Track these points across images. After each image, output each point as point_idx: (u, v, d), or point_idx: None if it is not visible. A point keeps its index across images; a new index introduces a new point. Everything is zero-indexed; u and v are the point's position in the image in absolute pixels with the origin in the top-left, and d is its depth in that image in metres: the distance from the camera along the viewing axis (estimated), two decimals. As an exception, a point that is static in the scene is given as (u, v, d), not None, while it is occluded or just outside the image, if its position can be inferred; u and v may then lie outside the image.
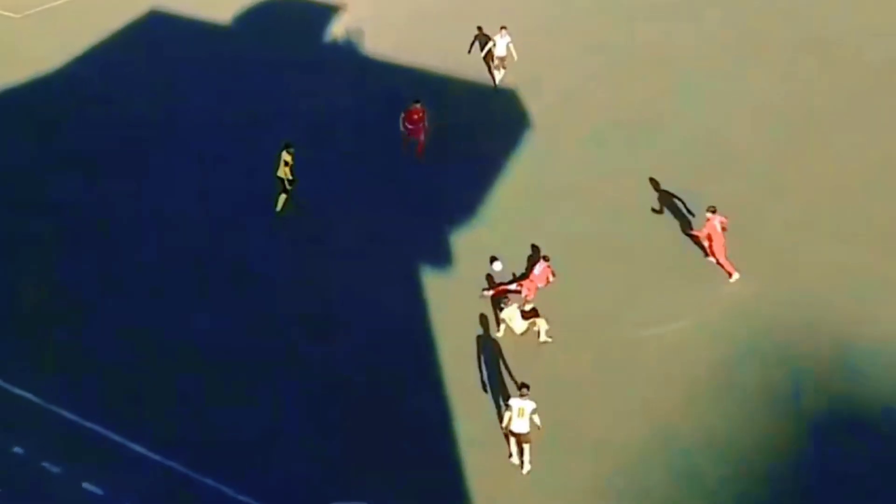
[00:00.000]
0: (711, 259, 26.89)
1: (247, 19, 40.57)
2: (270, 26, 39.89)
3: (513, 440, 21.76)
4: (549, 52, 37.46)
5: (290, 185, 28.10)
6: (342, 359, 24.31)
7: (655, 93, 34.90)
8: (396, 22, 39.76)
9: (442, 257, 27.67)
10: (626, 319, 25.39)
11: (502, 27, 34.40)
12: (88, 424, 22.21)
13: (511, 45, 34.02)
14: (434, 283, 26.50)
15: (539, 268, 25.61)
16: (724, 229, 26.45)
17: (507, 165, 31.34)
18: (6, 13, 40.85)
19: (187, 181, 30.57)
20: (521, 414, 21.42)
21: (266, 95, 35.03)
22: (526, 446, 21.61)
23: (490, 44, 34.60)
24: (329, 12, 40.86)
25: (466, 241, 28.17)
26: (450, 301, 25.77)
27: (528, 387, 21.59)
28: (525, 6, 40.55)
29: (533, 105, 34.37)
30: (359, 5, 40.94)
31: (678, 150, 31.96)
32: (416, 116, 30.66)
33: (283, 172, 28.01)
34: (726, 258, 26.66)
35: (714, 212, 26.49)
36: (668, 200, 29.40)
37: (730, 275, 26.74)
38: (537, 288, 25.60)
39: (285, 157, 27.96)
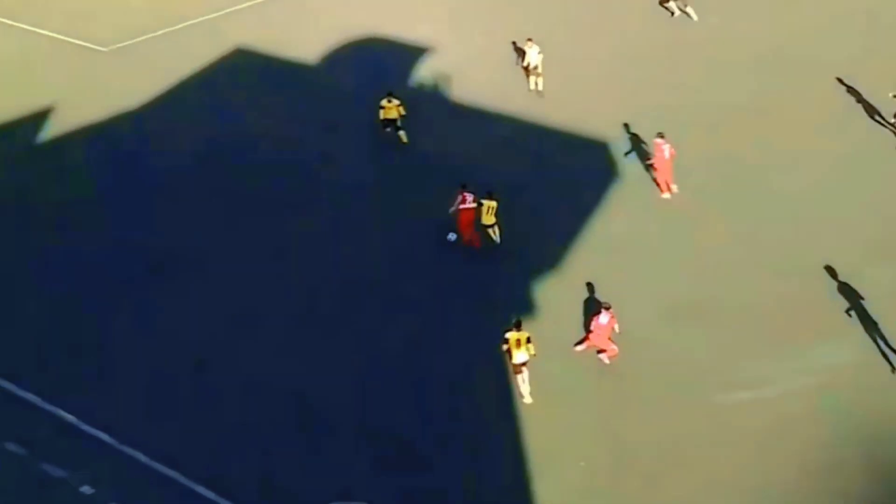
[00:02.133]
0: None
1: (332, 59, 40.77)
2: (354, 65, 39.98)
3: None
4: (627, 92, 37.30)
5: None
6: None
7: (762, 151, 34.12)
8: (486, 63, 39.82)
9: (528, 309, 27.62)
10: (714, 382, 25.14)
11: (528, 39, 36.75)
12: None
13: (541, 55, 36.22)
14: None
15: (605, 317, 25.65)
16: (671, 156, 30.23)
17: (593, 219, 31.29)
18: (94, 46, 41.61)
19: (267, 207, 31.31)
20: (518, 345, 23.83)
21: (338, 132, 35.50)
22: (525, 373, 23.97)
23: (527, 55, 36.67)
24: (414, 54, 41.02)
25: (552, 299, 28.20)
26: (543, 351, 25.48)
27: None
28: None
29: (624, 160, 34.04)
30: (445, 48, 41.03)
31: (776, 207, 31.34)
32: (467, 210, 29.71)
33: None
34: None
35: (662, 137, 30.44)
36: (757, 258, 29.11)
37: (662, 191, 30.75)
38: (608, 338, 25.69)
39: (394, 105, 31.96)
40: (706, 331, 26.66)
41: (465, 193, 29.60)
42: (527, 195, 32.03)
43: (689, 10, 42.16)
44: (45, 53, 41.19)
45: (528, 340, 24.26)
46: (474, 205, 29.36)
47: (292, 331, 27.06)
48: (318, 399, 24.97)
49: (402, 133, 33.08)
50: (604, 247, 29.79)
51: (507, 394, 24.92)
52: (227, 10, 44.54)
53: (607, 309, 25.84)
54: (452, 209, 29.47)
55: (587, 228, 30.73)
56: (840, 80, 36.39)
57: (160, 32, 42.52)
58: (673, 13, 42.36)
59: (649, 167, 32.10)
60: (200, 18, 43.96)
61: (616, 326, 25.91)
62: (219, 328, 26.98)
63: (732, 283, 28.24)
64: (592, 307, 26.90)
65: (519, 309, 27.00)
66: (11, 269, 29.41)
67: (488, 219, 29.31)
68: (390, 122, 33.01)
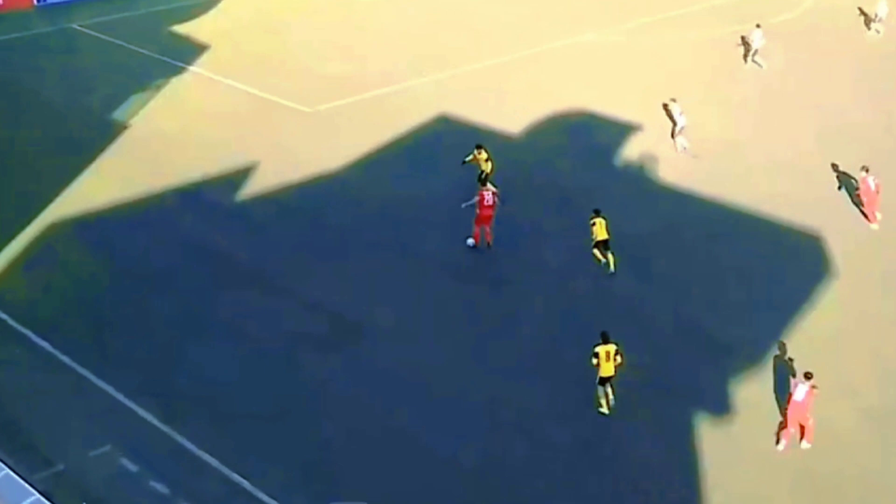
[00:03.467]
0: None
1: (535, 130, 40.63)
2: (560, 141, 39.79)
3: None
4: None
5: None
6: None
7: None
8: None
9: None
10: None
11: (672, 98, 38.48)
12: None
13: (684, 115, 37.69)
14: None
15: (802, 391, 24.26)
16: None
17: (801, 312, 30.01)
18: (299, 107, 42.44)
19: (467, 277, 30.77)
20: (608, 358, 24.42)
21: (535, 203, 35.18)
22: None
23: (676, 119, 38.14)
24: (618, 129, 40.56)
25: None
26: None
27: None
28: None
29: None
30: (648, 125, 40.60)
31: None
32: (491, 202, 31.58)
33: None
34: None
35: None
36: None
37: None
38: (805, 416, 24.36)
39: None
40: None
41: (484, 192, 31.39)
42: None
43: (757, 58, 44.88)
44: (250, 111, 41.97)
45: (617, 353, 24.61)
46: (493, 202, 31.19)
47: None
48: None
49: (489, 184, 33.14)
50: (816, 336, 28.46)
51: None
52: (434, 77, 45.26)
53: (808, 378, 24.18)
54: (471, 206, 31.21)
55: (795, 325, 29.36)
56: None
57: (367, 96, 43.09)
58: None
59: (857, 198, 33.58)
60: (405, 83, 44.51)
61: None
62: (408, 402, 26.18)
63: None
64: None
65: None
66: (203, 323, 29.28)
67: (601, 233, 30.55)
68: (485, 176, 33.76)
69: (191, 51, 48.28)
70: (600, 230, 30.74)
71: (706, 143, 38.58)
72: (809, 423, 24.18)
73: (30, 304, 29.42)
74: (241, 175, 36.56)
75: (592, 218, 30.95)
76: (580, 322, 28.43)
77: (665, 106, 39.87)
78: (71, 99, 43.20)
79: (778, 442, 24.55)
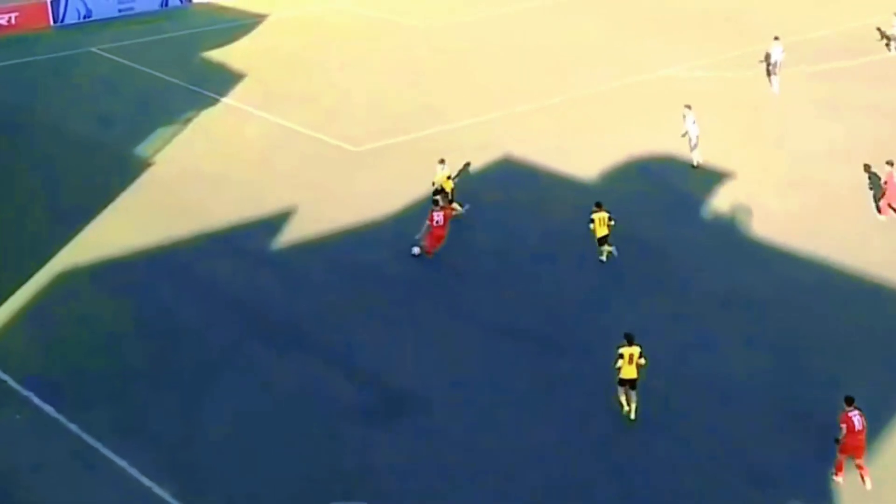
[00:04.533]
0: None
1: (609, 176, 39.12)
2: (630, 187, 38.29)
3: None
4: None
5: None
6: None
7: None
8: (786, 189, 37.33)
9: None
10: None
11: (687, 106, 38.79)
12: None
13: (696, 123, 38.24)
14: None
15: (859, 418, 23.55)
16: None
17: None
18: (343, 145, 41.50)
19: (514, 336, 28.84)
20: (631, 360, 25.17)
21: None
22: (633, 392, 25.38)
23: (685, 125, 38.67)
24: (702, 176, 38.80)
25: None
26: None
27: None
28: None
29: None
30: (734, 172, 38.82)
31: None
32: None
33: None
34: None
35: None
36: None
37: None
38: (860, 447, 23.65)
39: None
40: None
41: (435, 212, 32.21)
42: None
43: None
44: (289, 149, 41.46)
45: (641, 355, 25.33)
46: (444, 223, 32.28)
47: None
48: None
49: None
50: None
51: None
52: (494, 115, 44.27)
53: (850, 404, 23.60)
54: (424, 230, 32.12)
55: None
56: None
57: (417, 135, 42.27)
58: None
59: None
60: (460, 122, 43.63)
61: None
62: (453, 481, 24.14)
63: None
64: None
65: None
66: (232, 385, 27.59)
67: (601, 230, 31.70)
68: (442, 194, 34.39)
69: (223, 80, 48.09)
70: (600, 226, 31.73)
71: (814, 194, 37.22)
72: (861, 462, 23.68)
73: (35, 363, 28.20)
74: (277, 219, 35.67)
75: (594, 212, 31.81)
76: (665, 406, 26.48)
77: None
78: (89, 131, 43.03)
79: (837, 473, 24.09)
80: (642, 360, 25.34)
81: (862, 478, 23.70)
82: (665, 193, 37.79)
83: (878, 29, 52.29)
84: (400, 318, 30.34)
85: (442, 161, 35.25)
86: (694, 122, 38.44)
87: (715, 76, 48.63)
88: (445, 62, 50.98)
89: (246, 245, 34.23)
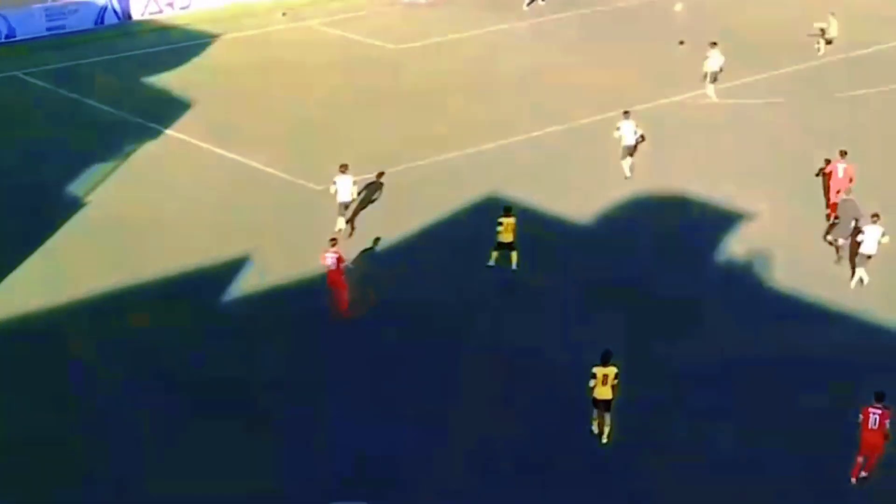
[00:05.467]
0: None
1: (617, 220, 37.05)
2: (647, 228, 36.56)
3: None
4: None
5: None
6: None
7: None
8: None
9: None
10: None
11: (625, 112, 39.75)
12: None
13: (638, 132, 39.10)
14: None
15: (875, 417, 24.29)
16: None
17: None
18: (307, 184, 39.41)
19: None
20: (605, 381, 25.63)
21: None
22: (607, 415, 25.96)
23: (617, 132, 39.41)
24: (722, 218, 37.01)
25: None
26: None
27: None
28: None
29: None
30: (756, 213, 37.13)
31: None
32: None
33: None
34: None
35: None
36: None
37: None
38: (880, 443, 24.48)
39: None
40: None
41: (327, 252, 31.03)
42: None
43: None
44: (246, 188, 39.67)
45: (617, 377, 25.68)
46: (335, 263, 30.85)
47: None
48: None
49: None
50: None
51: None
52: (482, 147, 42.58)
53: (881, 402, 24.42)
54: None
55: None
56: None
57: (394, 170, 40.24)
58: None
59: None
60: (442, 156, 41.98)
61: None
62: None
63: None
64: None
65: None
66: (175, 469, 25.14)
67: (506, 236, 32.64)
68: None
69: (168, 109, 46.45)
70: (506, 232, 32.64)
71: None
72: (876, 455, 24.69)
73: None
74: (230, 271, 34.11)
75: (501, 217, 32.81)
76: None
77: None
78: (13, 167, 41.46)
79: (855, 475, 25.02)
80: (616, 382, 25.70)
81: (856, 475, 24.74)
82: (675, 237, 36.41)
83: (821, 29, 53.65)
84: (373, 385, 28.86)
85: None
86: (634, 132, 39.03)
87: (729, 102, 47.51)
88: (422, 88, 49.24)
89: (193, 301, 32.76)
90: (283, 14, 58.27)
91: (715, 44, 46.43)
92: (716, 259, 34.80)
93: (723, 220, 36.93)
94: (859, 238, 32.44)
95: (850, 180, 35.23)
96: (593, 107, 45.63)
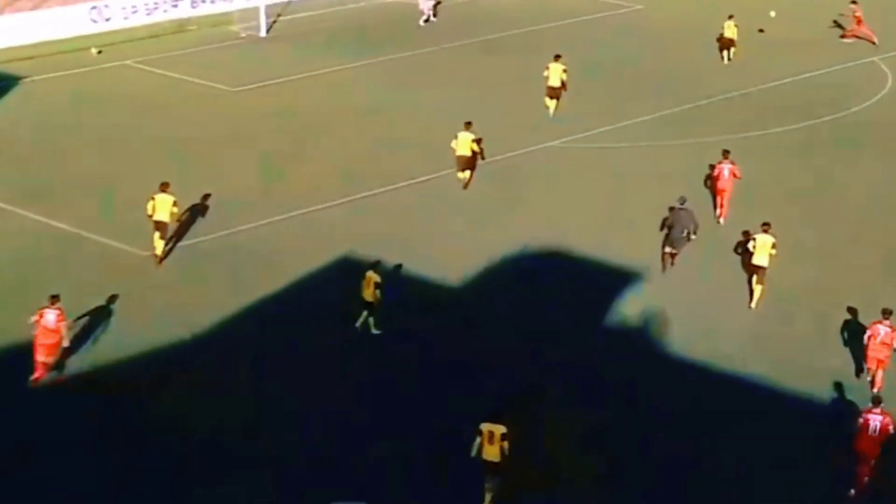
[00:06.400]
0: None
1: (496, 281, 34.85)
2: (529, 289, 34.31)
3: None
4: None
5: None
6: None
7: None
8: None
9: None
10: None
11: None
12: None
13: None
14: None
15: (877, 420, 25.34)
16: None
17: None
18: (133, 250, 36.14)
19: None
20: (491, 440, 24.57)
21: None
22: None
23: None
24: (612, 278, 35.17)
25: None
26: None
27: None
28: None
29: None
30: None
31: None
32: None
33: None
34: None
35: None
36: None
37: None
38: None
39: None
40: None
41: (46, 309, 29.04)
42: None
43: None
44: (71, 260, 36.57)
45: (504, 438, 24.55)
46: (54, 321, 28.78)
47: None
48: None
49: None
50: None
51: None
52: (331, 203, 40.01)
53: (878, 405, 25.59)
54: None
55: None
56: None
57: (238, 229, 37.79)
58: None
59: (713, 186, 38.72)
60: (300, 211, 39.43)
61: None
62: None
63: None
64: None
65: None
66: None
67: (368, 294, 31.25)
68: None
69: None
70: (367, 287, 31.44)
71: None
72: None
73: None
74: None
75: (367, 270, 31.69)
76: None
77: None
78: None
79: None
80: (505, 443, 24.48)
81: (857, 485, 25.37)
82: (557, 301, 34.53)
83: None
84: None
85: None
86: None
87: (612, 149, 45.64)
88: (266, 134, 46.35)
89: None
90: (98, 52, 54.42)
91: (559, 56, 46.44)
92: (607, 319, 33.42)
93: (609, 275, 35.55)
94: (750, 246, 33.54)
95: (735, 176, 37.58)
96: (442, 160, 42.94)
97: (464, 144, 39.11)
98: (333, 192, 40.34)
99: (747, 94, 51.25)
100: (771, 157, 43.98)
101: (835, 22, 59.35)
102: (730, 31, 53.70)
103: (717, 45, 54.62)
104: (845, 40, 57.10)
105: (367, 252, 35.17)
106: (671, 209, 35.42)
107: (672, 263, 34.83)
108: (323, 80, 52.34)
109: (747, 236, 35.14)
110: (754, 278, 33.04)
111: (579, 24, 59.94)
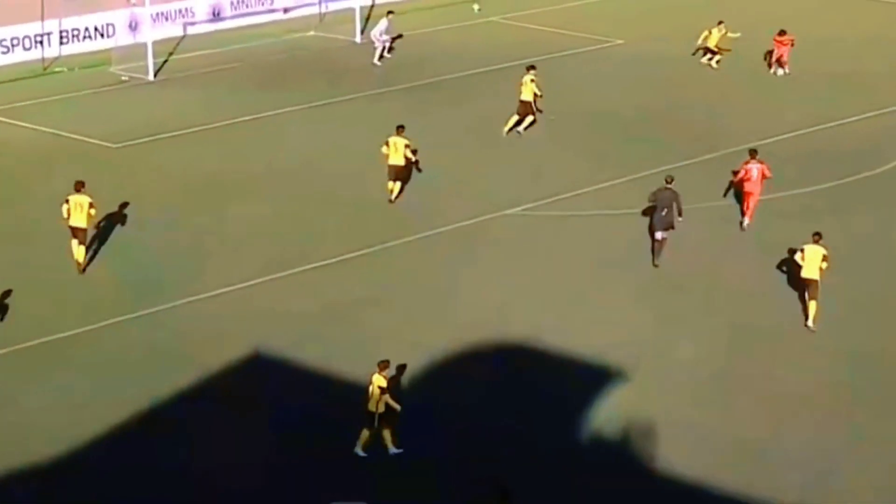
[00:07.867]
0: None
1: (447, 385, 32.23)
2: (500, 394, 31.82)
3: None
4: None
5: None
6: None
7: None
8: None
9: None
10: None
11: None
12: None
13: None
14: None
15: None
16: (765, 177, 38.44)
17: None
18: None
19: None
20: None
21: None
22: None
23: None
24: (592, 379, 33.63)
25: None
26: None
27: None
28: None
29: None
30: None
31: None
32: None
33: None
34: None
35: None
36: None
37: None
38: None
39: None
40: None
41: None
42: None
43: None
44: None
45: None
46: None
47: None
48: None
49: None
50: None
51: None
52: (258, 280, 37.10)
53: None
54: None
55: None
56: None
57: (150, 311, 34.90)
58: None
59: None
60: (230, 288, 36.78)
61: None
62: None
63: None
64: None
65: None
66: None
67: (373, 405, 27.69)
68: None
69: None
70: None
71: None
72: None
73: None
74: None
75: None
76: None
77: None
78: None
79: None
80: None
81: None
82: (523, 406, 31.77)
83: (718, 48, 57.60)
84: None
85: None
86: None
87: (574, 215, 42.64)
88: (160, 198, 42.75)
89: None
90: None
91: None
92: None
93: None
94: (798, 258, 33.29)
95: (765, 176, 38.22)
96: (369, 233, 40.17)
97: (397, 151, 38.01)
98: (253, 271, 37.16)
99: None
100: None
101: None
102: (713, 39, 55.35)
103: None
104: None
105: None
106: (656, 190, 36.38)
107: (654, 250, 35.69)
108: (226, 133, 48.45)
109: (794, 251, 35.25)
110: (806, 294, 32.49)
111: (555, 60, 55.54)
